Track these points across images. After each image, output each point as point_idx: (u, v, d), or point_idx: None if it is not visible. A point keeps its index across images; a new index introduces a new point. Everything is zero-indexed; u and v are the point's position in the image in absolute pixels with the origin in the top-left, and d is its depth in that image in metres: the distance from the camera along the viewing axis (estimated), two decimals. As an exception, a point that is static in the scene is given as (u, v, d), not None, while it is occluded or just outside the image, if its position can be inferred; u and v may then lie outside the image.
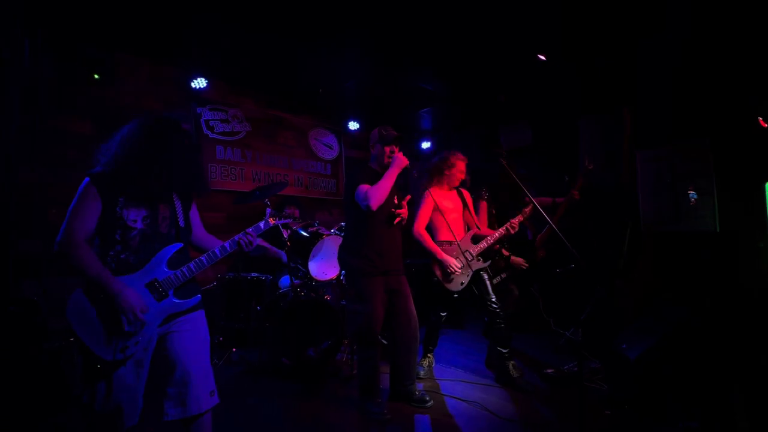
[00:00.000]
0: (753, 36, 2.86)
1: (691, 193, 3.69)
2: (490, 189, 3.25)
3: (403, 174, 2.40)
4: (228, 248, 1.56)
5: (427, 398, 2.45)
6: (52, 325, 2.29)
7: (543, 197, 3.37)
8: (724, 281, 3.16)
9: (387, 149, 2.42)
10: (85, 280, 1.33)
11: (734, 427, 2.07)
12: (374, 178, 2.37)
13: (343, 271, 3.28)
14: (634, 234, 3.84)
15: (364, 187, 2.31)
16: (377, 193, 2.25)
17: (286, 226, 3.25)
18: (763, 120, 3.29)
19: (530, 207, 2.86)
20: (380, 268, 2.37)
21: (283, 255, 3.55)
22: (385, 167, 2.39)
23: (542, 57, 3.56)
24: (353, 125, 5.30)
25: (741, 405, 2.12)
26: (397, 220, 2.41)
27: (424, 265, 2.85)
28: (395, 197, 2.47)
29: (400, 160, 2.33)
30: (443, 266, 2.72)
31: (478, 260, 2.82)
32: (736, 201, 3.32)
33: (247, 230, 1.60)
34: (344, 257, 2.49)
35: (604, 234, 3.90)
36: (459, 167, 2.90)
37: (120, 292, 1.32)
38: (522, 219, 2.91)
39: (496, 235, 2.82)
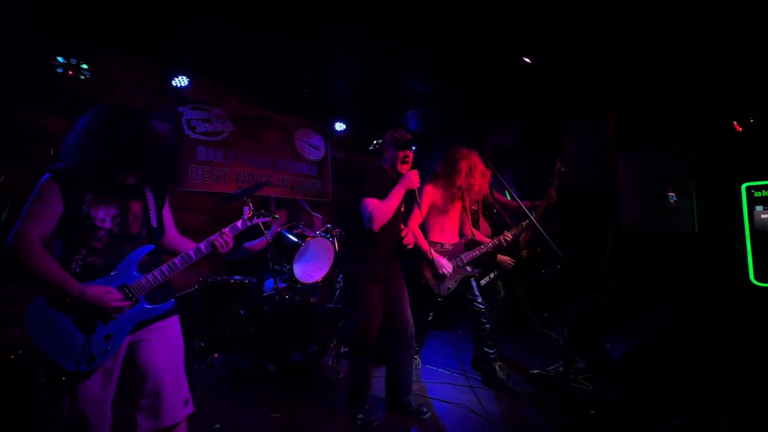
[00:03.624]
0: (753, 36, 2.91)
1: (671, 194, 3.77)
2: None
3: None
4: (204, 250, 1.48)
5: (425, 410, 2.37)
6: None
7: (523, 201, 3.39)
8: (707, 281, 3.22)
9: (401, 154, 2.30)
10: (42, 284, 1.24)
11: (726, 425, 2.10)
12: (386, 181, 2.29)
13: (340, 275, 3.22)
14: (616, 236, 3.90)
15: (372, 202, 2.20)
16: (382, 215, 2.17)
17: (267, 226, 3.18)
18: (738, 124, 3.39)
19: (527, 221, 2.86)
20: (382, 276, 2.29)
21: (264, 240, 3.40)
22: (398, 173, 2.31)
23: (527, 60, 3.58)
24: (340, 126, 5.25)
25: (736, 403, 2.15)
26: (405, 242, 2.34)
27: (412, 266, 2.79)
28: (402, 206, 2.38)
29: (410, 180, 2.22)
30: (434, 267, 2.66)
31: (468, 267, 2.78)
32: (715, 202, 3.40)
33: (223, 230, 1.52)
34: (344, 262, 2.40)
35: (586, 236, 3.95)
36: (463, 160, 2.70)
37: (83, 291, 1.23)
38: (518, 232, 2.91)
39: (490, 245, 2.79)
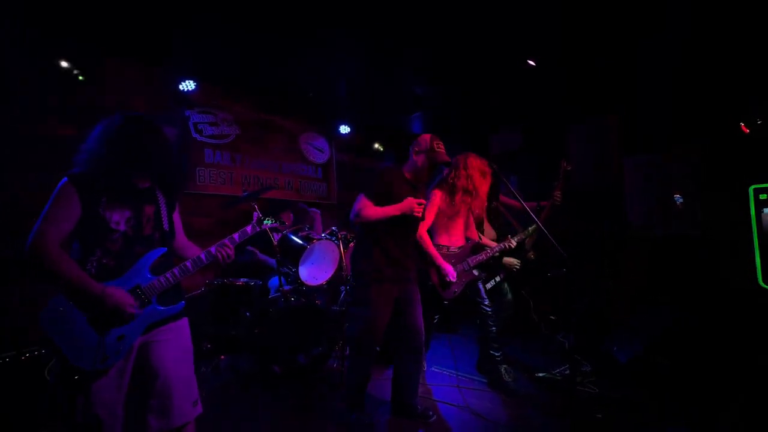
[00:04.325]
0: (753, 37, 2.90)
1: (677, 196, 3.76)
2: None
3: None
4: (214, 253, 1.51)
5: (430, 413, 2.37)
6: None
7: (528, 201, 3.40)
8: (713, 282, 3.21)
9: (429, 165, 2.29)
10: (62, 285, 1.27)
11: (726, 425, 2.09)
12: (395, 180, 2.28)
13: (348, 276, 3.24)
14: (615, 237, 3.88)
15: (365, 202, 2.21)
16: (368, 218, 2.18)
17: (275, 230, 3.20)
18: (745, 126, 3.38)
19: (534, 227, 2.86)
20: (390, 275, 2.24)
21: (272, 262, 3.51)
22: (418, 179, 2.32)
23: (532, 63, 3.59)
24: (344, 129, 5.29)
25: (736, 403, 2.14)
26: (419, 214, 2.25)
27: (419, 270, 2.80)
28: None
29: (410, 208, 2.15)
30: (440, 272, 2.65)
31: (475, 271, 2.78)
32: (717, 202, 3.39)
33: (224, 241, 1.54)
34: (354, 259, 2.38)
35: (587, 236, 3.94)
36: (472, 167, 2.71)
37: (103, 291, 1.27)
38: (523, 237, 2.91)
39: (496, 249, 2.79)
